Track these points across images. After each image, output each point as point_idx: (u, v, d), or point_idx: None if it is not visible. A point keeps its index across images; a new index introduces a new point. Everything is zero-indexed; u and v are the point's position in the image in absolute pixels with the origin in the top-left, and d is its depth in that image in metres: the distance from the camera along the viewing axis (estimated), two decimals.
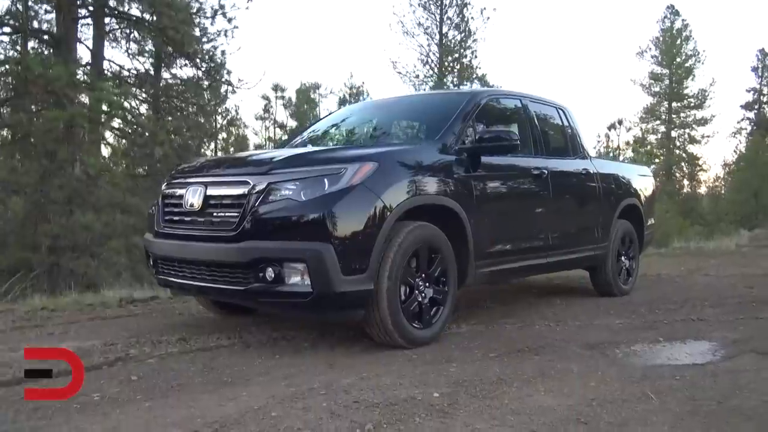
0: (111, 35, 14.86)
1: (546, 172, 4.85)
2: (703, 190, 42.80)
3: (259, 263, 3.38)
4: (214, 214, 3.62)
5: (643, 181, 6.47)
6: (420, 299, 3.74)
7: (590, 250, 5.44)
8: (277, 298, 3.45)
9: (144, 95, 15.96)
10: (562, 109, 5.65)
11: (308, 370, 3.20)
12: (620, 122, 36.57)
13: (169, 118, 12.20)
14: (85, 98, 10.88)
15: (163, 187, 4.11)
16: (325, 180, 3.43)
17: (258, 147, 28.78)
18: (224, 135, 30.26)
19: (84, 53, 13.59)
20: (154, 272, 4.13)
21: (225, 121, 29.61)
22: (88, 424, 2.42)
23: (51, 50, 12.21)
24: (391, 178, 3.60)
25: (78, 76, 10.66)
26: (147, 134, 10.26)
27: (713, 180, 43.32)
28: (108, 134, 10.29)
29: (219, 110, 27.80)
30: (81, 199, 9.94)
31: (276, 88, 27.75)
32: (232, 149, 30.29)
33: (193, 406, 2.60)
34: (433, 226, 3.82)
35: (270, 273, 3.36)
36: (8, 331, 4.27)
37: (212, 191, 3.66)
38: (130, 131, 10.43)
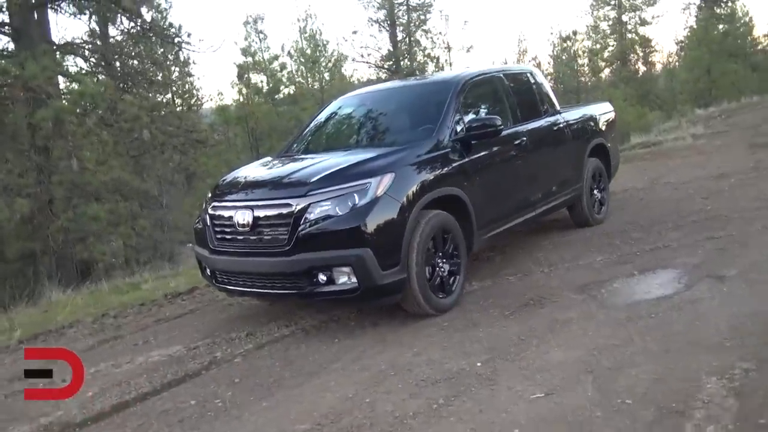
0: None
1: (525, 139, 5.61)
2: (658, 68, 43.88)
3: (312, 270, 4.17)
4: (265, 232, 4.35)
5: (605, 118, 7.25)
6: (441, 274, 4.58)
7: (568, 194, 6.29)
8: (330, 296, 4.28)
9: (95, 59, 16.05)
10: (530, 72, 6.34)
11: (368, 351, 4.05)
12: (575, 33, 38.10)
13: (148, 96, 12.46)
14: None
15: (209, 208, 4.77)
16: (355, 195, 4.17)
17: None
18: (179, 84, 30.06)
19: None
20: (212, 281, 4.88)
21: (177, 72, 29.35)
22: (230, 428, 3.25)
23: (13, 43, 12.20)
24: (407, 182, 4.37)
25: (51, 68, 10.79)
26: (130, 120, 10.61)
27: (667, 56, 44.30)
28: (92, 124, 10.59)
29: (172, 60, 27.61)
30: (80, 190, 10.42)
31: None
32: (191, 101, 30.17)
33: (300, 401, 3.44)
34: (444, 212, 4.60)
35: (322, 277, 4.17)
36: (96, 346, 5.02)
37: (259, 213, 4.36)
38: (114, 120, 10.76)
